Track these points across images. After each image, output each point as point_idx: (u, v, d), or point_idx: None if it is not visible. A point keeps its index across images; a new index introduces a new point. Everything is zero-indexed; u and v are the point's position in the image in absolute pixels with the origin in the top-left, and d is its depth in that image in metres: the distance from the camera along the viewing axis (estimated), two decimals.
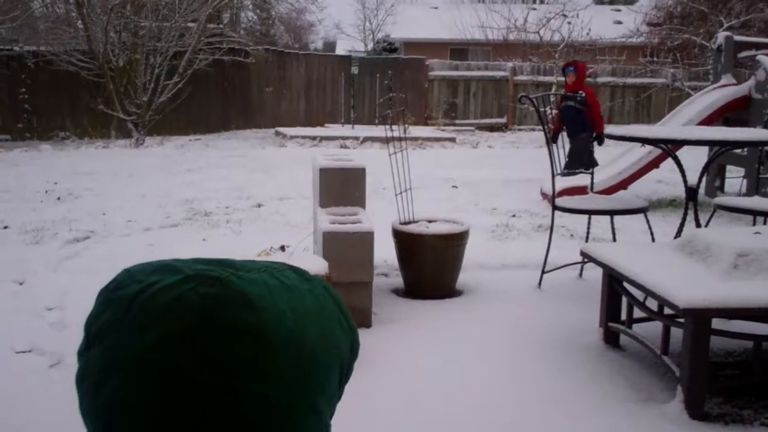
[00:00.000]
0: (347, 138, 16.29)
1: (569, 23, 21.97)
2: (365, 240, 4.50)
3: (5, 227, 7.23)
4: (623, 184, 8.73)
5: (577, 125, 9.63)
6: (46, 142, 15.28)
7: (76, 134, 16.22)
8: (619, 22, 29.07)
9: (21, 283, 5.41)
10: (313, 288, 0.79)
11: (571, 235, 6.95)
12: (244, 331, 0.69)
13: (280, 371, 0.71)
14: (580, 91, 9.91)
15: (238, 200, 8.81)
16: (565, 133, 10.02)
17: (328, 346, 0.77)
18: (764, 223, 5.24)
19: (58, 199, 8.90)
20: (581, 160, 10.10)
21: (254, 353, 0.69)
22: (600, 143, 9.43)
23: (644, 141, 5.24)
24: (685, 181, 4.90)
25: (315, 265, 4.05)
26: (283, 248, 4.54)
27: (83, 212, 7.99)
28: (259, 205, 8.46)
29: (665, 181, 9.85)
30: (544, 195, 8.55)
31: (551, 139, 10.46)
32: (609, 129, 5.21)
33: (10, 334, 4.36)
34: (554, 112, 6.10)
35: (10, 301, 4.98)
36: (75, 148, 14.89)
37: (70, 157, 13.18)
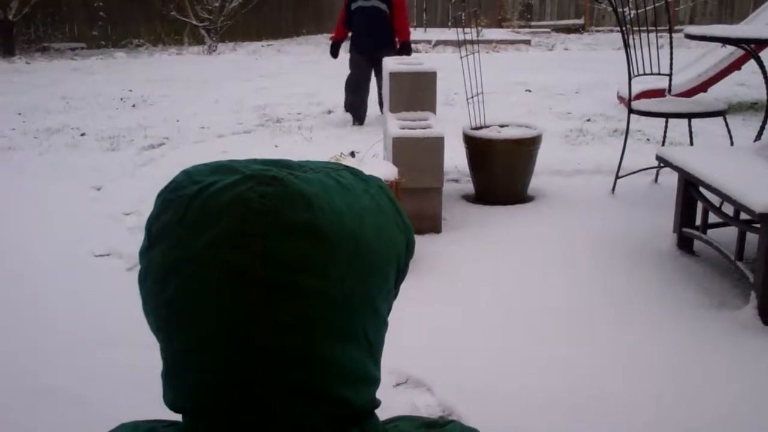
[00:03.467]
0: (419, 42, 16.05)
1: None
2: (435, 145, 4.47)
3: (82, 134, 7.38)
4: (703, 87, 8.45)
5: (377, 32, 7.65)
6: (121, 50, 15.39)
7: (150, 42, 16.30)
8: None
9: (99, 189, 5.55)
10: (369, 187, 0.79)
11: (647, 140, 6.80)
12: (302, 228, 0.71)
13: (338, 268, 0.72)
14: None
15: (309, 106, 8.82)
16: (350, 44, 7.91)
17: (385, 244, 0.77)
18: None
19: (133, 106, 9.03)
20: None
21: (313, 250, 0.71)
22: (408, 53, 7.66)
23: (725, 41, 5.05)
24: (767, 83, 4.73)
25: (385, 170, 4.05)
26: (353, 154, 4.54)
27: (158, 119, 8.10)
28: (330, 111, 8.44)
29: (747, 83, 9.50)
30: (620, 98, 8.34)
31: (331, 53, 8.21)
32: (689, 28, 5.02)
33: (90, 238, 4.50)
34: (632, 12, 5.75)
35: (88, 206, 5.12)
36: (149, 55, 15.00)
37: (144, 65, 13.30)
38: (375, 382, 0.79)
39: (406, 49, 7.69)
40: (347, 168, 0.81)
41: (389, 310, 0.82)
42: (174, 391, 0.76)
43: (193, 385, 0.73)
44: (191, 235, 0.72)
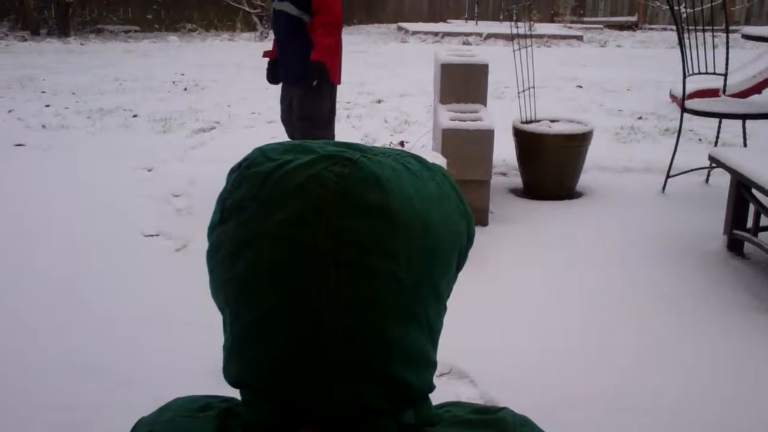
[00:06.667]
0: (470, 34, 15.99)
1: None
2: (485, 138, 4.46)
3: (135, 116, 7.48)
4: (758, 88, 8.31)
5: (287, 51, 4.98)
6: (174, 34, 15.54)
7: (202, 27, 16.43)
8: None
9: (150, 170, 5.62)
10: (434, 175, 0.81)
11: (699, 140, 6.72)
12: (375, 210, 0.72)
13: (407, 250, 0.73)
14: None
15: (358, 96, 8.82)
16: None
17: (449, 230, 0.78)
18: None
19: (185, 89, 9.12)
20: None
21: (385, 232, 0.72)
22: (313, 81, 4.85)
23: None
24: None
25: (433, 161, 4.04)
26: (402, 144, 4.56)
27: (209, 103, 8.17)
28: (380, 101, 8.45)
29: None
30: (673, 97, 8.24)
31: (268, 78, 5.38)
32: (746, 29, 4.94)
33: (140, 218, 4.56)
34: (687, 11, 5.60)
35: (139, 187, 5.18)
36: (201, 40, 15.12)
37: (196, 49, 13.42)
38: (433, 365, 0.80)
39: (314, 74, 4.81)
40: (412, 155, 0.82)
41: (449, 295, 0.83)
42: (238, 365, 0.77)
43: (259, 359, 0.74)
44: (266, 211, 0.73)
